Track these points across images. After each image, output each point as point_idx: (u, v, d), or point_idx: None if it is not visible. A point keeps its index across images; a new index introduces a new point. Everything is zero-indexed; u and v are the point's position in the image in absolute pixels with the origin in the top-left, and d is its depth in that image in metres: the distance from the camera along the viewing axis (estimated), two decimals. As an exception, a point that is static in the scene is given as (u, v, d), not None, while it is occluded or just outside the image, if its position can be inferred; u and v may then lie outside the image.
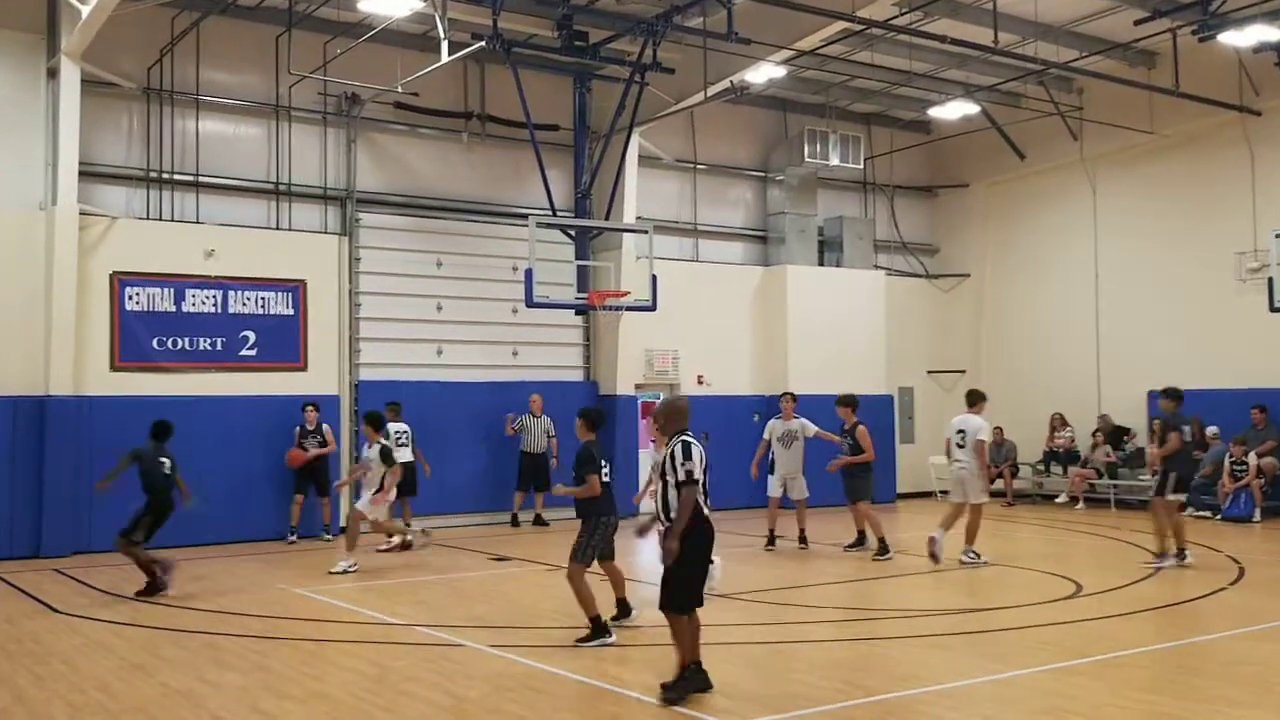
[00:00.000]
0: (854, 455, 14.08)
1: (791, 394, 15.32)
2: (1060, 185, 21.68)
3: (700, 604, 7.22)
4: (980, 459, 13.20)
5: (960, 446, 13.17)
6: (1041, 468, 21.14)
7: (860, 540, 14.32)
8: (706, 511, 7.25)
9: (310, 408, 15.86)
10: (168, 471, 11.81)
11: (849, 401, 14.41)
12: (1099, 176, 20.98)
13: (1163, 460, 12.86)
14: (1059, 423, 20.88)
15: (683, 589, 7.15)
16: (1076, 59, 17.82)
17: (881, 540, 13.76)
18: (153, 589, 11.43)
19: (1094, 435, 20.16)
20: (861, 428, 14.14)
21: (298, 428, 15.79)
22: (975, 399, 13.54)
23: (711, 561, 7.46)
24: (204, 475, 15.34)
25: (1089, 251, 21.13)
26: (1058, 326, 21.57)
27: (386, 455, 13.23)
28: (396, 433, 15.44)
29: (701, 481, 7.18)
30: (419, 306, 17.68)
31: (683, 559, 7.08)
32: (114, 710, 7.11)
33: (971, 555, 13.01)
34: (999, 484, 21.17)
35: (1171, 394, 13.07)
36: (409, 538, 13.98)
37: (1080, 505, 19.61)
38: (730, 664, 8.34)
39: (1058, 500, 20.34)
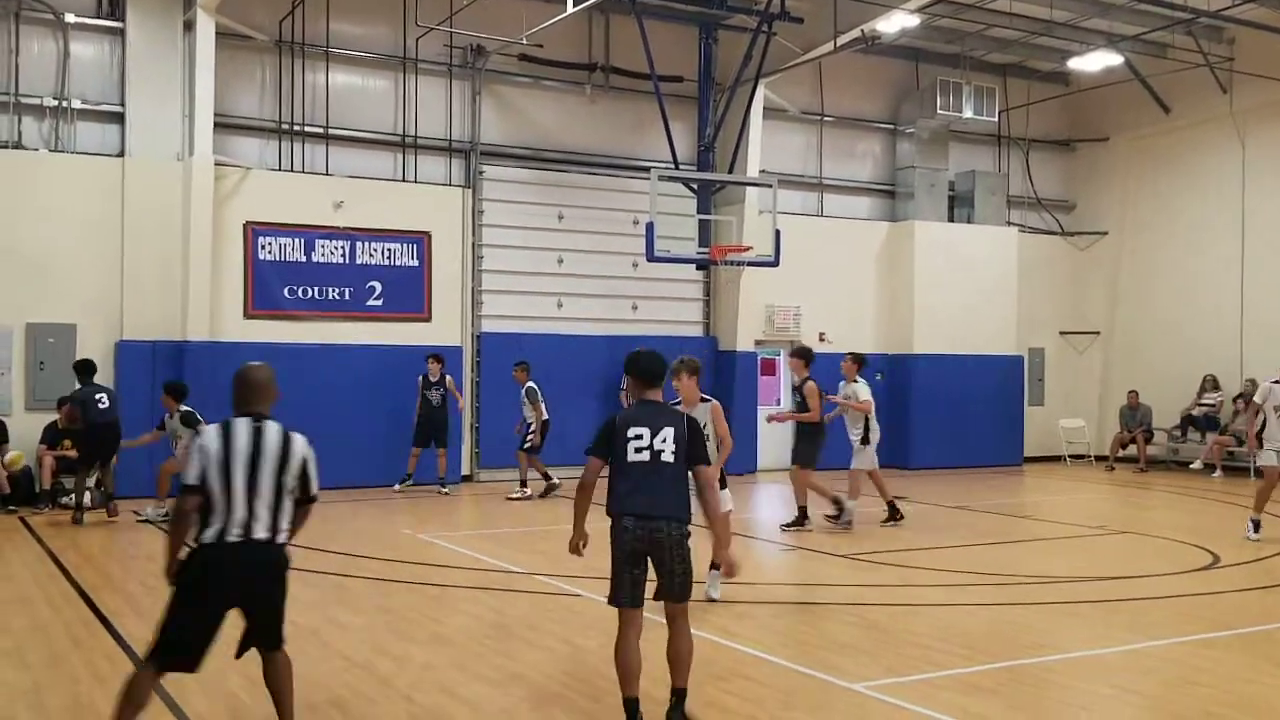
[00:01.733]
0: (799, 413, 12.54)
1: None
2: (1207, 140, 20.64)
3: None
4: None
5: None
6: (1178, 433, 20.36)
7: (801, 519, 12.52)
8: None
9: (433, 359, 16.06)
10: (104, 406, 12.78)
11: (801, 354, 12.63)
12: (1249, 131, 19.89)
13: None
14: (1210, 385, 20.03)
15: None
16: (1229, 7, 16.83)
17: (804, 509, 12.47)
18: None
19: (1236, 401, 19.31)
20: (810, 384, 12.34)
21: (420, 378, 16.02)
22: None
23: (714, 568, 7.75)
24: (328, 421, 15.85)
25: (1236, 211, 20.11)
26: (1200, 289, 20.63)
27: (189, 420, 12.45)
28: (528, 389, 15.51)
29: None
30: (540, 259, 17.80)
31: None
32: (235, 639, 7.36)
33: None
34: (1132, 449, 20.52)
35: None
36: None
37: (1218, 473, 18.83)
38: (851, 625, 8.25)
39: (1192, 466, 19.56)
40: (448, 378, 16.07)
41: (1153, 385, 20.70)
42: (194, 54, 15.08)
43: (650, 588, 5.64)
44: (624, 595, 5.58)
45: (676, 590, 5.59)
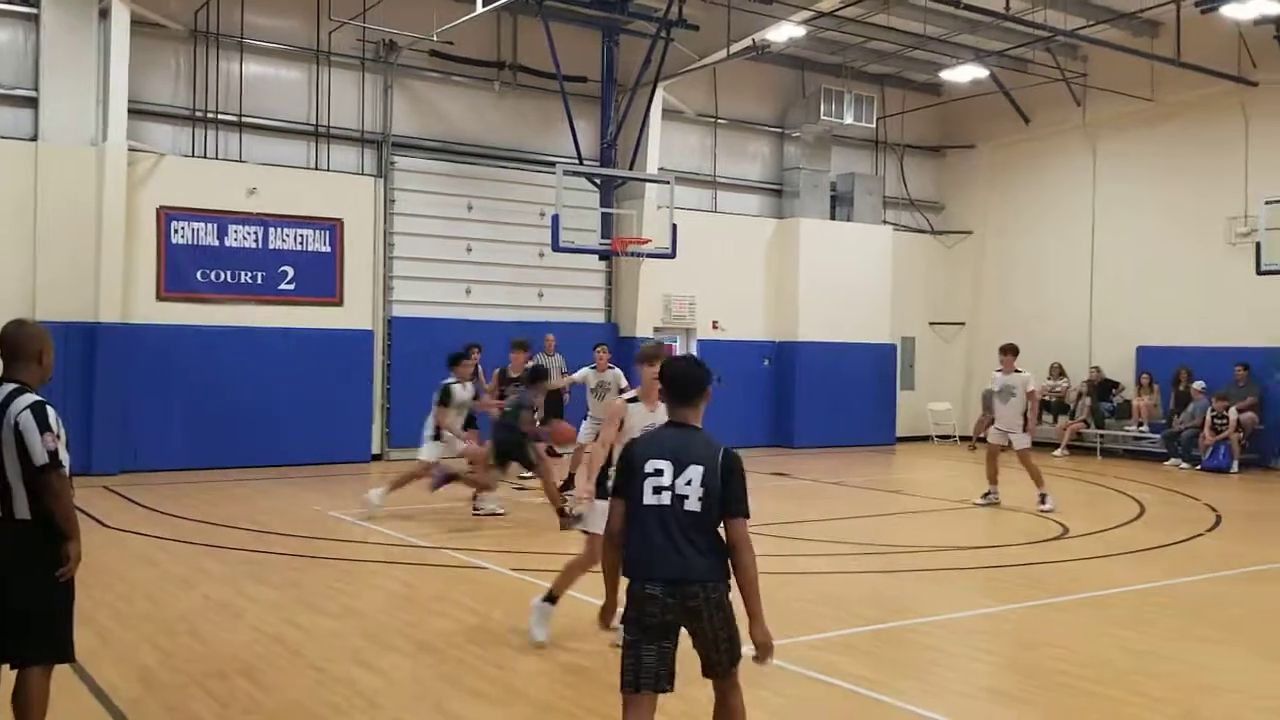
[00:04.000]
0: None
1: (1013, 347, 13.07)
2: (1062, 149, 21.35)
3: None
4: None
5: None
6: (1033, 417, 21.05)
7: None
8: None
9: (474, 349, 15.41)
10: None
11: (517, 345, 12.63)
12: (1099, 141, 20.64)
13: None
14: (1057, 373, 20.75)
15: None
16: (1083, 27, 17.42)
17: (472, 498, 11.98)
18: None
19: (1083, 386, 20.08)
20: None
21: None
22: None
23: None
24: (240, 402, 15.52)
25: (1087, 213, 20.85)
26: (1054, 284, 21.36)
27: None
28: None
29: None
30: (450, 248, 17.58)
31: None
32: (158, 619, 7.17)
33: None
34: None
35: None
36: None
37: (1059, 452, 19.53)
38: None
39: (1055, 453, 20.26)
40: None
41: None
42: (108, 41, 14.50)
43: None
44: (647, 675, 4.01)
45: (725, 660, 4.15)
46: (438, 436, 11.53)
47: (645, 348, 6.28)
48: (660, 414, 5.32)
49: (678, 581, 3.99)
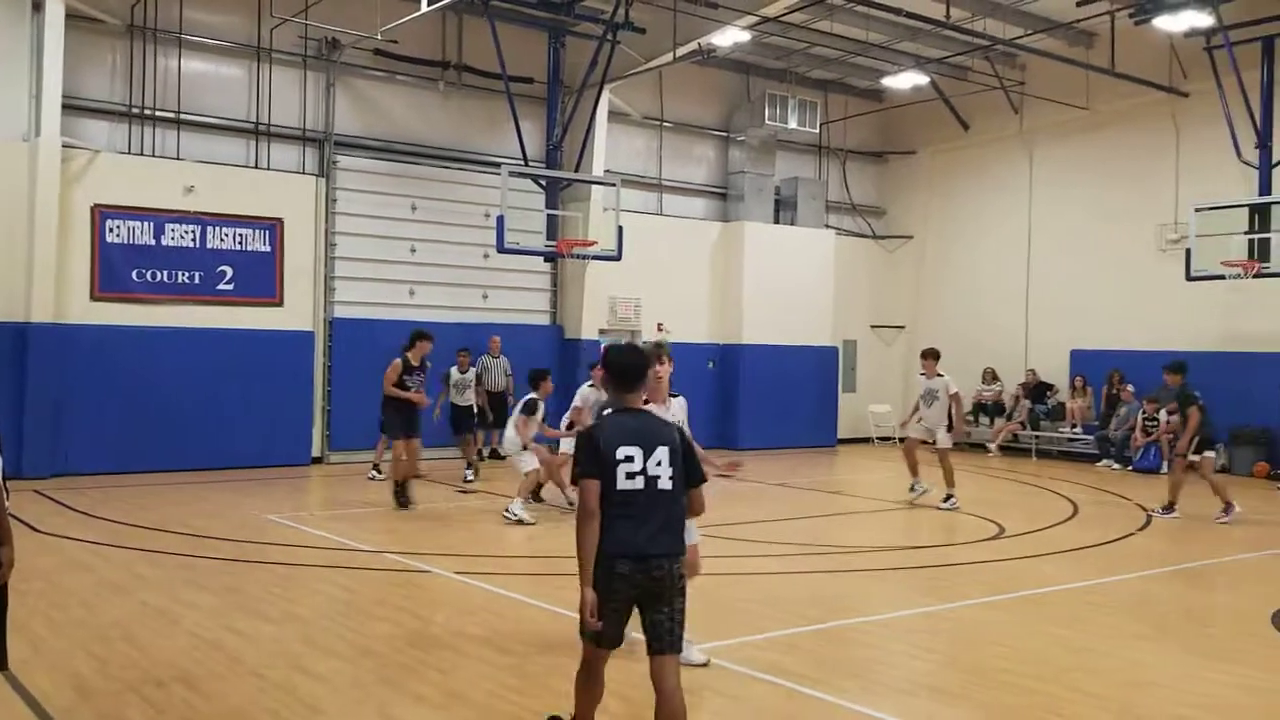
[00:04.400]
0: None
1: (933, 351, 13.69)
2: (1000, 155, 21.73)
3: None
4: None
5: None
6: (971, 418, 21.39)
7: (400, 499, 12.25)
8: None
9: (462, 352, 15.58)
10: None
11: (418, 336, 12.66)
12: (1036, 148, 21.03)
13: (1192, 435, 12.10)
14: (989, 377, 21.12)
15: None
16: (1021, 36, 17.76)
17: (396, 485, 12.30)
18: None
19: (1019, 389, 20.45)
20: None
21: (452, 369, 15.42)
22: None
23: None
24: (178, 403, 15.24)
25: (1023, 218, 21.24)
26: (991, 288, 21.72)
27: None
28: (454, 382, 15.42)
29: None
30: (393, 248, 17.41)
31: None
32: (93, 625, 7.01)
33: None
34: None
35: (1177, 368, 12.53)
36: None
37: (992, 449, 19.86)
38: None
39: (990, 449, 20.63)
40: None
41: (950, 375, 21.61)
42: (42, 35, 14.15)
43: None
44: (610, 632, 4.44)
45: (668, 639, 4.43)
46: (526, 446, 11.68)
47: (646, 347, 6.03)
48: (674, 409, 6.22)
49: (646, 557, 4.35)
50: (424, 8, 14.27)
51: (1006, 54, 19.68)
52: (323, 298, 16.84)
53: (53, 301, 14.37)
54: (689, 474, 4.48)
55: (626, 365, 4.58)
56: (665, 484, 4.37)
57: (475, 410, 15.66)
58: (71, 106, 14.78)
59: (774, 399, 20.63)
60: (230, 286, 15.89)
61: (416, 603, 7.84)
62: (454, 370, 15.50)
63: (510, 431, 11.77)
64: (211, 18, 16.11)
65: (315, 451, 16.64)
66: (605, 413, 4.74)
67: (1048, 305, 20.66)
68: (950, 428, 13.19)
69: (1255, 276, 16.34)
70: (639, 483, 4.34)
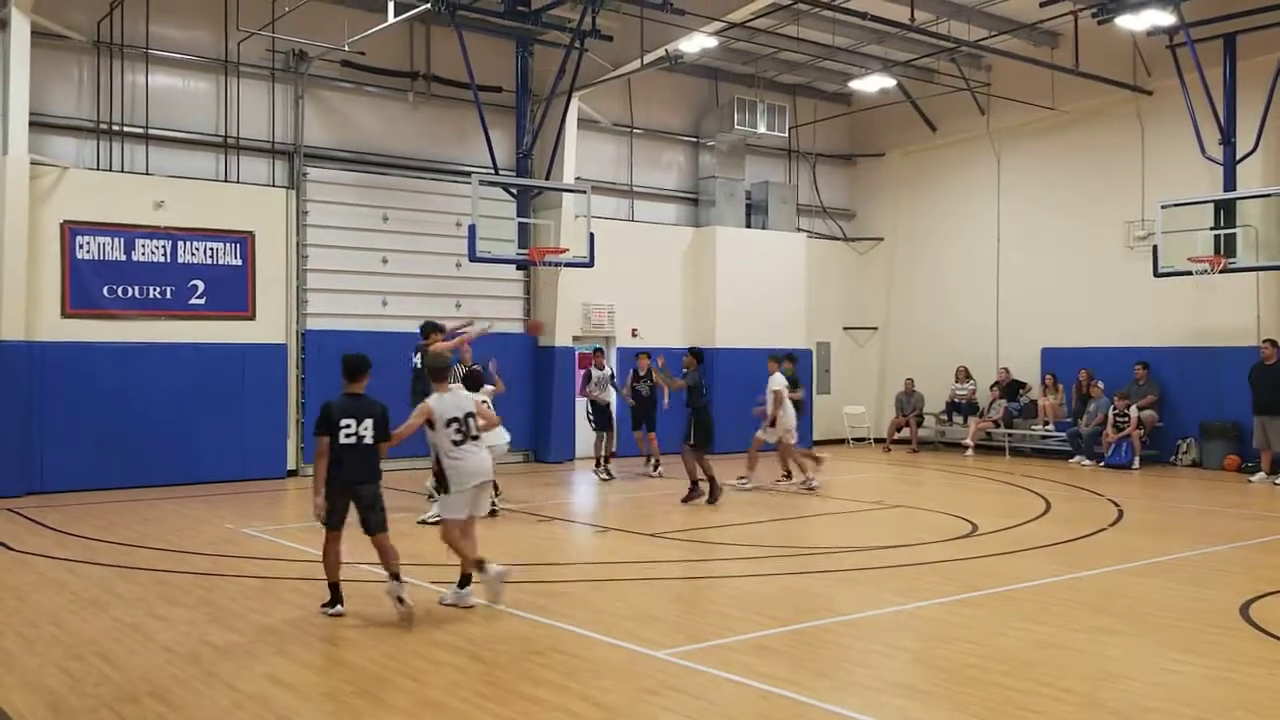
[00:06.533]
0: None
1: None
2: (967, 156, 21.92)
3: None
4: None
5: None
6: (945, 417, 21.56)
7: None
8: None
9: (642, 356, 16.83)
10: None
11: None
12: (1003, 148, 21.24)
13: None
14: (962, 375, 21.29)
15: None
16: (986, 38, 17.95)
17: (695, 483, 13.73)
18: None
19: (992, 389, 20.59)
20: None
21: (630, 372, 16.70)
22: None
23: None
24: (152, 419, 15.17)
25: (992, 218, 21.44)
26: (962, 288, 21.91)
27: None
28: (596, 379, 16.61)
29: None
30: (365, 259, 17.40)
31: None
32: (67, 643, 6.99)
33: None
34: (906, 432, 21.58)
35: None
36: None
37: (970, 452, 20.02)
38: (657, 598, 8.44)
39: (964, 448, 20.76)
40: (654, 371, 16.56)
41: (923, 375, 21.87)
42: (8, 52, 14.05)
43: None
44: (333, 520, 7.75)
45: (379, 522, 7.75)
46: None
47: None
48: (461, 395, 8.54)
49: (363, 481, 7.66)
50: (391, 18, 14.29)
51: (972, 55, 19.88)
52: (295, 310, 16.80)
53: (23, 319, 14.28)
54: (377, 432, 7.70)
55: (353, 362, 7.80)
56: (369, 440, 7.62)
57: None
58: (39, 123, 14.71)
59: (748, 401, 20.65)
60: (202, 301, 15.84)
61: (389, 613, 7.84)
62: None
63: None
64: (178, 32, 16.07)
65: (290, 464, 16.60)
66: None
67: (1018, 303, 20.85)
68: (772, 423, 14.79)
69: (1221, 272, 16.56)
70: (353, 439, 7.55)
